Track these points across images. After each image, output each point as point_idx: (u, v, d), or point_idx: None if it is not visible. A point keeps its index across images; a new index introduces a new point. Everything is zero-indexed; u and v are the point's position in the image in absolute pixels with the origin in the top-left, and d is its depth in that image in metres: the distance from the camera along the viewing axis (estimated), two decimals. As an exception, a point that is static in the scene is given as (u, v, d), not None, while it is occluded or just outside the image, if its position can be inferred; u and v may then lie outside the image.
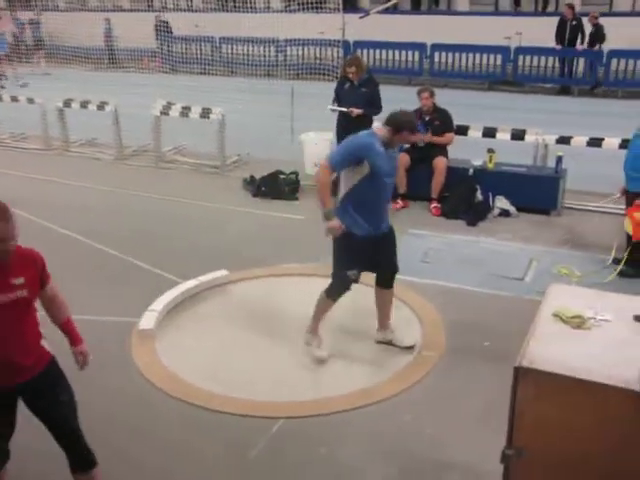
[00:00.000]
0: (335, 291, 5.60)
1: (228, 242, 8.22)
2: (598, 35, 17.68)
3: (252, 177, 10.20)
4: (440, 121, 9.16)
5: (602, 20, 17.64)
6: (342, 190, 5.45)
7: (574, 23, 17.67)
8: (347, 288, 5.56)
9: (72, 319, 4.17)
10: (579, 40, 17.81)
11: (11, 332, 3.63)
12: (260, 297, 6.97)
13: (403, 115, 5.43)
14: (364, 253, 5.42)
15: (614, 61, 17.70)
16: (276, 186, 9.88)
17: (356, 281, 5.54)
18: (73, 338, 4.12)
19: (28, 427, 4.01)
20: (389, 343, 5.99)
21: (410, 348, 5.94)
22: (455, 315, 6.39)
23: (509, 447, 3.32)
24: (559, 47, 17.96)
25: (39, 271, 3.91)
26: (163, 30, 18.97)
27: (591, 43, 17.89)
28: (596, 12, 17.85)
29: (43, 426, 3.91)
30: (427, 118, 9.13)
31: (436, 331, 6.17)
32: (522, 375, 3.17)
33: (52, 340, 4.50)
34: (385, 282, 5.80)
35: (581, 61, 18.05)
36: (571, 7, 17.73)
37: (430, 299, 6.69)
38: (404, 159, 8.85)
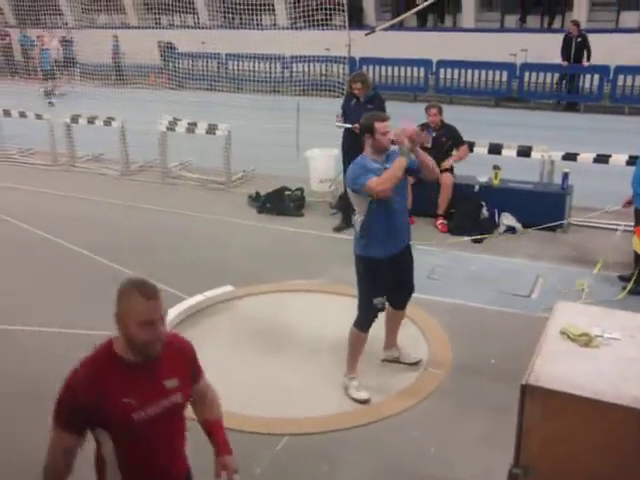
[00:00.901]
0: (364, 321, 5.45)
1: (233, 258, 8.22)
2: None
3: (257, 193, 10.22)
4: (447, 137, 9.18)
5: (609, 37, 17.70)
6: (357, 216, 5.36)
7: (579, 40, 17.71)
8: (375, 316, 5.45)
9: (222, 422, 3.36)
10: (585, 56, 17.85)
11: (161, 442, 2.94)
12: (266, 313, 6.95)
13: (365, 116, 5.46)
14: (386, 276, 5.34)
15: (620, 77, 17.72)
16: (281, 202, 9.90)
17: (382, 309, 5.44)
18: (219, 445, 3.23)
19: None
20: (396, 361, 5.96)
21: (416, 364, 5.92)
22: (461, 332, 6.37)
23: (516, 466, 3.29)
24: (565, 64, 17.98)
25: (190, 365, 3.12)
26: (168, 49, 19.15)
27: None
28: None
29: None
30: (434, 134, 9.16)
31: (442, 348, 6.14)
32: (529, 393, 3.15)
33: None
34: (400, 303, 5.74)
35: (587, 77, 18.08)
36: (576, 24, 17.77)
37: (436, 316, 6.66)
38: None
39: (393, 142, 5.15)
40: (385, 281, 5.37)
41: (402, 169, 5.06)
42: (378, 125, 5.18)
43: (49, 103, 18.31)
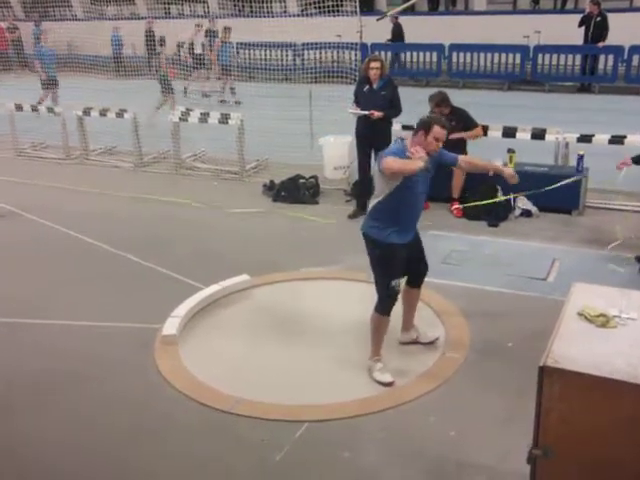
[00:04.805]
0: (385, 305, 5.47)
1: (249, 247, 8.23)
2: (398, 32, 20.29)
3: (272, 182, 10.22)
4: (457, 121, 9.10)
5: (623, 16, 17.55)
6: (375, 197, 5.40)
7: (598, 19, 17.52)
8: (396, 299, 5.48)
9: None
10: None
11: None
12: (282, 301, 6.97)
13: (429, 116, 5.54)
14: (399, 259, 5.38)
15: (635, 57, 17.56)
16: (296, 190, 9.90)
17: (399, 291, 5.46)
18: None
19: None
20: (415, 341, 5.98)
21: (433, 342, 5.97)
22: (478, 316, 6.36)
23: (536, 447, 3.29)
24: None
25: None
26: (151, 40, 19.03)
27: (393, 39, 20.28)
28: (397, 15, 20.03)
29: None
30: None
31: (460, 332, 6.13)
32: (547, 374, 3.14)
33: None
34: (416, 281, 5.78)
35: (602, 58, 17.91)
36: (596, 3, 17.46)
37: (453, 300, 6.65)
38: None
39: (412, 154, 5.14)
40: (401, 264, 5.41)
41: (411, 172, 5.06)
42: (437, 129, 5.17)
43: (236, 102, 17.22)
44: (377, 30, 19.72)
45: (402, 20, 19.86)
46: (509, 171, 5.62)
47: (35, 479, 4.59)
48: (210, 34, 18.75)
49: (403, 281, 5.64)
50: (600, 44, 17.63)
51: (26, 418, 5.19)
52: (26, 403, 5.39)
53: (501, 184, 8.95)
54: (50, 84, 15.95)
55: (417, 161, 5.00)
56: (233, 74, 17.03)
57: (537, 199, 8.83)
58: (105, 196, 10.43)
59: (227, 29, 17.87)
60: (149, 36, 19.23)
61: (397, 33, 20.41)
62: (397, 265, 5.39)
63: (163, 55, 15.46)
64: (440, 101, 9.06)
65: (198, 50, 18.74)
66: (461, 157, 5.60)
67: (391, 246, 5.33)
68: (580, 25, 17.72)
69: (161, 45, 15.80)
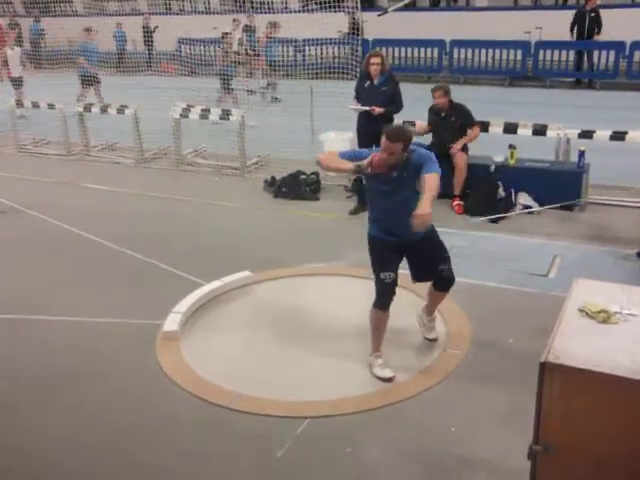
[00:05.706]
0: (382, 299, 5.43)
1: (250, 243, 8.23)
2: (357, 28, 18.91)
3: (273, 178, 10.22)
4: (456, 117, 9.10)
5: (625, 12, 17.53)
6: None
7: (592, 15, 17.51)
8: (392, 293, 5.42)
9: None
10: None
11: None
12: (284, 297, 6.97)
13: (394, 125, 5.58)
14: (388, 253, 5.38)
15: (637, 53, 17.54)
16: (297, 186, 9.90)
17: (392, 284, 5.39)
18: None
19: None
20: (420, 325, 6.04)
21: (433, 341, 5.98)
22: (479, 312, 6.36)
23: (536, 443, 3.29)
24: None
25: None
26: (148, 36, 18.99)
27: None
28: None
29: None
30: (443, 114, 9.10)
31: (461, 328, 6.14)
32: (548, 371, 3.14)
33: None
34: (438, 285, 5.74)
35: (603, 53, 17.90)
36: None
37: (454, 296, 6.63)
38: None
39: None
40: (391, 259, 5.40)
41: (344, 170, 5.45)
42: (384, 141, 5.01)
43: (274, 99, 16.54)
44: (378, 26, 19.73)
45: (404, 16, 19.75)
46: (417, 216, 4.85)
47: (38, 475, 4.60)
48: (248, 30, 18.58)
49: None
50: (595, 37, 17.63)
51: (29, 414, 5.20)
52: (29, 399, 5.39)
53: (502, 181, 8.99)
54: (93, 80, 15.85)
55: (348, 163, 5.15)
56: (279, 71, 16.80)
57: (538, 195, 8.84)
58: (106, 192, 10.44)
59: (272, 24, 17.06)
60: (147, 32, 19.20)
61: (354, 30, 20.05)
62: (385, 258, 5.38)
63: (224, 46, 15.25)
64: (437, 88, 9.10)
65: (235, 47, 18.26)
66: (427, 175, 5.00)
67: (377, 239, 5.40)
68: (575, 23, 17.74)
69: (224, 37, 15.63)
